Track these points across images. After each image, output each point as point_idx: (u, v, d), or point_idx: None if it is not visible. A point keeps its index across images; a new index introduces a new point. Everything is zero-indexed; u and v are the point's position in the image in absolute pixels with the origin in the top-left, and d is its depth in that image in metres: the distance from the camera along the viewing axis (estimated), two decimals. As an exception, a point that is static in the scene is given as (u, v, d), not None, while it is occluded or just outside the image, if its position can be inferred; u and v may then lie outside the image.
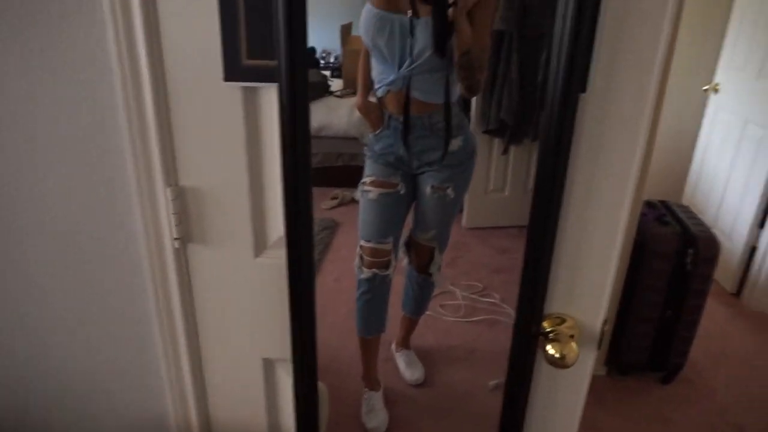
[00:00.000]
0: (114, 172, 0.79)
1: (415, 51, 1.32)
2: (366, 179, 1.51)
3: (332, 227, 2.15)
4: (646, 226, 1.85)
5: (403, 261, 1.68)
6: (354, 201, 1.56)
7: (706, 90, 2.81)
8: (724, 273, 2.54)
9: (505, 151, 1.97)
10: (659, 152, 2.30)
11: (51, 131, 0.77)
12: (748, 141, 2.48)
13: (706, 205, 2.77)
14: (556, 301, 0.75)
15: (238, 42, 0.67)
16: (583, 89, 0.63)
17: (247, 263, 0.82)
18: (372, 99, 1.48)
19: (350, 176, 1.61)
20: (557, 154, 0.63)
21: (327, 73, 1.98)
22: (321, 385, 0.89)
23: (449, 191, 1.50)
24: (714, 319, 2.32)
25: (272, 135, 0.75)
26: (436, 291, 1.79)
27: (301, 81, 0.63)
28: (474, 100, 1.87)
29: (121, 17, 0.68)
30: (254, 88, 0.72)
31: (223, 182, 0.78)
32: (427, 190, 1.51)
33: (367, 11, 1.33)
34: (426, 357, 1.86)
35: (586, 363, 0.78)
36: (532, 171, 0.68)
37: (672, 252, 1.81)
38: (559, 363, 0.70)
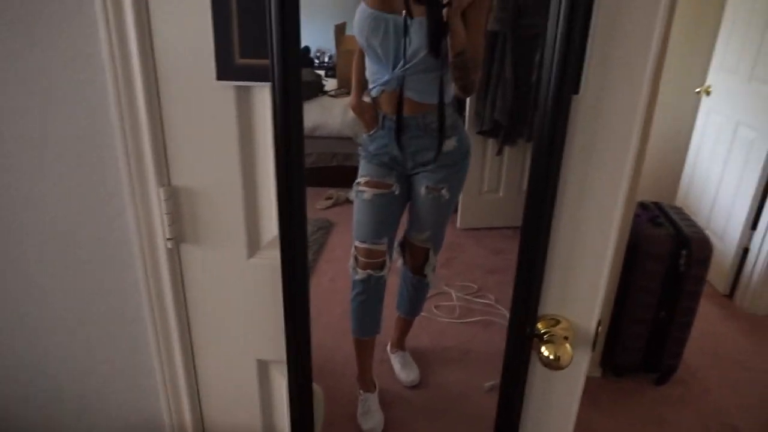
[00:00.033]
0: (106, 172, 0.78)
1: (410, 51, 1.32)
2: (360, 179, 1.51)
3: (327, 227, 2.14)
4: (640, 228, 1.86)
5: (397, 262, 1.68)
6: (349, 201, 1.56)
7: (698, 92, 2.83)
8: (717, 274, 2.55)
9: (500, 152, 1.98)
10: (652, 154, 2.32)
11: (42, 131, 0.77)
12: (739, 143, 2.50)
13: (699, 207, 2.79)
14: (550, 303, 0.75)
15: (231, 41, 0.67)
16: (576, 91, 0.63)
17: (240, 264, 0.82)
18: (366, 99, 1.47)
19: (345, 176, 1.61)
20: (550, 155, 0.63)
21: (321, 72, 1.98)
22: (316, 387, 0.88)
23: (444, 192, 1.50)
24: (707, 320, 2.34)
25: (265, 134, 0.74)
26: (430, 292, 1.79)
27: (294, 80, 0.62)
28: (468, 101, 1.87)
29: (113, 16, 0.67)
30: (247, 88, 0.72)
31: (217, 182, 0.77)
32: (422, 190, 1.51)
33: (362, 11, 1.32)
34: (421, 358, 1.85)
35: (581, 364, 0.78)
36: (527, 172, 0.68)
37: (665, 253, 1.82)
38: (554, 364, 0.70)
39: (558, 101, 0.61)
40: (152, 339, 0.87)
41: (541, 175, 0.65)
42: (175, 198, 0.78)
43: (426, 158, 1.47)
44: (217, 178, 0.77)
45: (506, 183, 2.07)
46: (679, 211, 2.03)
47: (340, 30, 1.83)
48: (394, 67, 1.36)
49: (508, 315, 0.75)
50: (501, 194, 2.09)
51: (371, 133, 1.49)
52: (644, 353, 1.96)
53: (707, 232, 1.97)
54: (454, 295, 2.06)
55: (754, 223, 2.41)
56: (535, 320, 0.75)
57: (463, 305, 2.04)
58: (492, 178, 2.06)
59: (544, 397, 0.81)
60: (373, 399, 1.69)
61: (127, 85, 0.71)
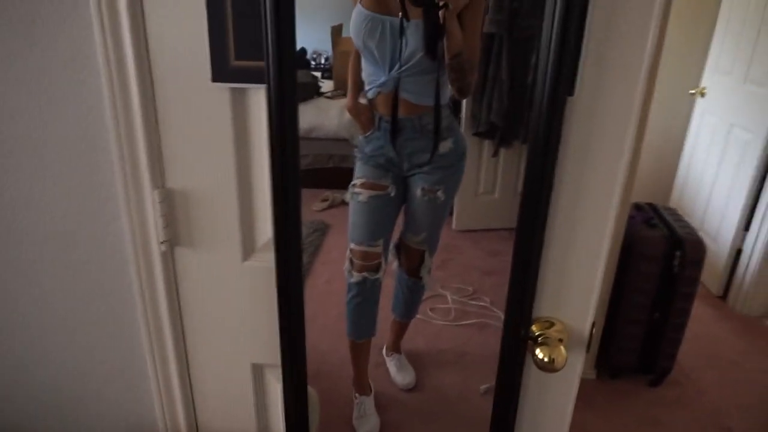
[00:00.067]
0: (101, 174, 0.78)
1: (406, 53, 1.32)
2: (356, 181, 1.51)
3: (323, 229, 2.14)
4: (634, 229, 1.86)
5: (393, 264, 1.68)
6: (345, 203, 1.55)
7: (692, 94, 2.85)
8: (711, 276, 2.57)
9: (495, 154, 1.98)
10: (647, 155, 2.33)
11: (36, 133, 0.76)
12: (734, 144, 2.52)
13: (693, 208, 2.80)
14: (545, 305, 0.75)
15: (226, 43, 0.67)
16: (571, 92, 0.63)
17: (235, 267, 0.81)
18: (362, 101, 1.47)
19: (341, 178, 1.61)
20: (545, 157, 0.64)
21: (318, 74, 1.97)
22: (311, 390, 0.88)
23: (440, 194, 1.50)
24: (701, 321, 2.35)
25: (261, 136, 0.74)
26: (426, 294, 1.79)
27: (289, 82, 0.62)
28: (464, 103, 1.87)
29: (108, 18, 0.67)
30: (242, 89, 0.72)
31: (211, 184, 0.77)
32: (418, 192, 1.51)
33: (358, 13, 1.32)
34: (417, 361, 1.85)
35: (575, 366, 0.78)
36: (523, 174, 0.68)
37: (659, 255, 1.83)
38: (548, 367, 0.70)
39: (553, 103, 0.61)
40: (146, 342, 0.87)
41: (536, 176, 0.65)
42: (169, 200, 0.78)
43: (422, 160, 1.47)
44: (212, 181, 0.76)
45: (502, 185, 2.07)
46: (674, 212, 2.04)
47: (336, 32, 1.83)
48: (390, 69, 1.36)
49: (503, 317, 0.75)
50: (497, 196, 2.09)
51: (367, 134, 1.49)
52: (639, 355, 1.97)
53: (701, 233, 1.98)
54: (449, 297, 2.06)
55: (747, 224, 2.43)
56: (530, 323, 0.75)
57: (458, 308, 2.04)
58: (488, 180, 2.06)
59: (539, 399, 0.81)
60: (368, 402, 1.68)
61: (122, 87, 0.71)
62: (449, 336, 1.95)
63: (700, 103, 2.84)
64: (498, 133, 1.91)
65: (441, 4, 1.24)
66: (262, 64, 0.62)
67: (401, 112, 1.41)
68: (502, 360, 0.76)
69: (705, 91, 2.78)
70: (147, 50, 0.70)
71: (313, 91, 1.97)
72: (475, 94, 1.84)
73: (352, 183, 1.52)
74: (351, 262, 1.53)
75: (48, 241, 0.83)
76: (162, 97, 0.73)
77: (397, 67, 1.35)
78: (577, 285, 0.74)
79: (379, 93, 1.42)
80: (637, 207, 2.03)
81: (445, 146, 1.46)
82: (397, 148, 1.45)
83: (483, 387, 1.72)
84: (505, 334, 0.75)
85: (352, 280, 1.53)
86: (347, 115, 1.54)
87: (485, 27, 1.67)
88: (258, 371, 0.90)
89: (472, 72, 1.35)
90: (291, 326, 0.76)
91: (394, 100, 1.39)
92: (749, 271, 2.42)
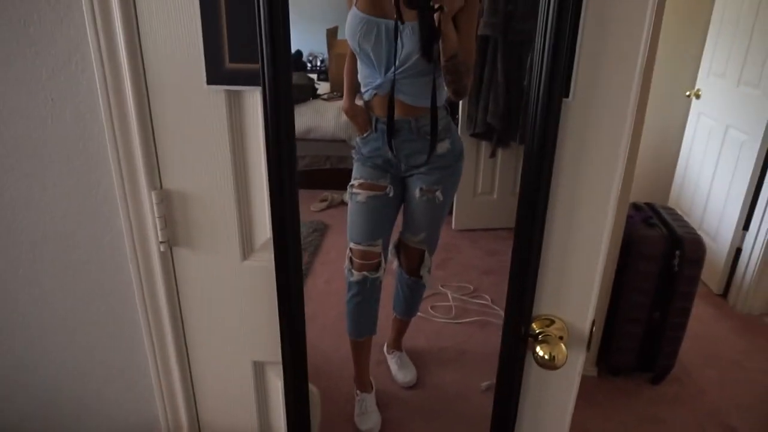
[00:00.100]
0: (99, 174, 0.78)
1: (402, 55, 1.33)
2: (354, 182, 1.51)
3: (322, 229, 2.14)
4: (633, 228, 1.87)
5: (392, 263, 1.68)
6: (343, 203, 1.56)
7: (688, 95, 2.85)
8: (711, 275, 2.57)
9: (493, 154, 1.99)
10: (645, 155, 2.33)
11: (36, 134, 0.77)
12: (730, 145, 2.52)
13: (692, 208, 2.81)
14: (545, 303, 0.75)
15: (221, 45, 0.67)
16: (566, 94, 0.63)
17: (234, 266, 0.82)
18: (359, 102, 1.48)
19: (339, 178, 1.61)
20: (542, 158, 0.64)
21: (314, 76, 1.98)
22: (312, 388, 0.88)
23: (438, 194, 1.51)
24: (701, 320, 2.35)
25: (257, 138, 0.74)
26: (427, 292, 1.79)
27: (284, 84, 0.63)
28: (461, 104, 1.88)
29: (101, 21, 0.67)
30: (238, 91, 0.72)
31: (209, 185, 0.77)
32: (416, 192, 1.51)
33: (353, 16, 1.33)
34: (418, 358, 1.85)
35: (576, 364, 0.78)
36: (520, 174, 0.68)
37: (659, 254, 1.83)
38: (549, 364, 0.70)
39: (548, 104, 0.61)
40: (147, 341, 0.87)
41: (533, 177, 0.65)
42: (167, 201, 0.78)
43: (419, 161, 1.48)
44: (209, 181, 0.77)
45: (500, 185, 2.08)
46: (672, 212, 2.04)
47: (332, 34, 1.83)
48: (386, 71, 1.37)
49: (504, 315, 0.75)
50: (495, 196, 2.10)
51: (364, 136, 1.49)
52: (639, 353, 1.97)
53: (700, 232, 1.98)
54: (450, 295, 2.07)
55: (746, 223, 2.43)
56: (530, 321, 0.75)
57: (459, 306, 2.04)
58: (486, 180, 2.07)
59: (539, 396, 0.82)
60: (370, 400, 1.68)
61: (117, 90, 0.71)
62: (450, 333, 1.96)
63: (695, 104, 2.85)
64: (495, 134, 1.92)
65: (436, 6, 1.24)
66: (256, 66, 0.62)
67: (397, 114, 1.41)
68: (503, 357, 0.77)
69: (700, 92, 2.79)
70: (141, 52, 0.70)
71: (310, 93, 1.98)
72: (471, 96, 1.85)
73: (351, 184, 1.52)
74: (351, 261, 1.53)
75: (47, 241, 0.83)
76: (157, 99, 0.73)
77: (392, 69, 1.35)
78: (576, 283, 0.74)
79: (375, 95, 1.42)
80: (636, 207, 2.04)
81: (442, 147, 1.47)
82: (394, 150, 1.46)
83: (484, 384, 1.73)
84: (505, 332, 0.75)
85: (352, 279, 1.54)
86: (344, 117, 1.54)
87: (480, 30, 1.68)
88: (259, 369, 0.90)
89: (468, 74, 1.36)
90: (291, 324, 0.77)
91: (390, 102, 1.40)
92: (749, 270, 2.42)
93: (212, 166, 0.76)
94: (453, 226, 2.17)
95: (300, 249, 0.73)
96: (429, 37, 1.29)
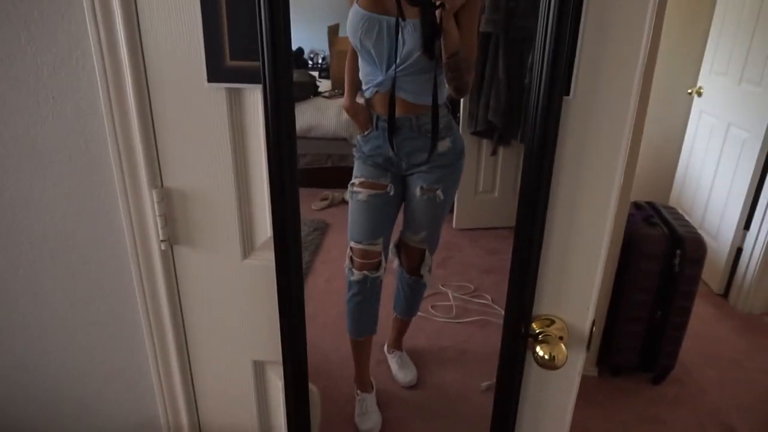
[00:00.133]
0: (100, 173, 0.78)
1: (403, 52, 1.32)
2: (355, 180, 1.51)
3: (323, 228, 2.14)
4: (634, 227, 1.86)
5: (393, 263, 1.68)
6: (344, 202, 1.56)
7: (690, 93, 2.85)
8: (711, 274, 2.57)
9: (494, 153, 1.98)
10: (646, 153, 2.33)
11: (35, 132, 0.76)
12: (731, 143, 2.52)
13: (693, 207, 2.80)
14: (545, 303, 0.75)
15: (221, 43, 0.67)
16: (567, 92, 0.63)
17: (234, 265, 0.82)
18: (360, 100, 1.47)
19: (340, 177, 1.61)
20: (542, 157, 0.64)
21: (315, 73, 1.97)
22: (312, 387, 0.88)
23: (439, 193, 1.50)
24: (702, 319, 2.35)
25: (258, 136, 0.74)
26: (427, 292, 1.79)
27: (285, 82, 0.62)
28: (462, 102, 1.87)
29: (102, 19, 0.67)
30: (239, 89, 0.72)
31: (210, 184, 0.77)
32: (417, 191, 1.51)
33: (354, 12, 1.33)
34: (418, 358, 1.85)
35: (576, 364, 0.78)
36: (521, 172, 0.68)
37: (660, 253, 1.83)
38: (549, 364, 0.70)
39: (549, 103, 0.61)
40: (147, 341, 0.87)
41: (533, 175, 0.65)
42: (168, 200, 0.78)
43: (420, 159, 1.47)
44: (210, 180, 0.77)
45: (501, 183, 2.07)
46: (673, 211, 2.04)
47: (333, 31, 1.83)
48: (387, 69, 1.36)
49: (504, 315, 0.75)
50: (496, 194, 2.09)
51: (365, 134, 1.49)
52: (640, 353, 1.97)
53: (701, 231, 1.98)
54: (450, 294, 2.06)
55: (747, 223, 2.43)
56: (530, 320, 0.75)
57: (459, 305, 2.04)
58: (487, 179, 2.06)
59: (539, 396, 0.81)
60: (370, 399, 1.68)
61: (118, 87, 0.71)
62: (451, 333, 1.95)
63: (697, 102, 2.84)
64: (496, 132, 1.91)
65: (438, 3, 1.24)
66: (257, 64, 0.62)
67: (399, 112, 1.41)
68: (503, 357, 0.77)
69: (702, 90, 2.78)
70: (142, 50, 0.70)
71: (311, 91, 1.97)
72: (472, 94, 1.84)
73: (351, 182, 1.52)
74: (351, 260, 1.53)
75: (47, 240, 0.83)
76: (158, 97, 0.73)
77: (394, 66, 1.35)
78: (577, 283, 0.74)
79: (376, 92, 1.42)
80: (637, 206, 2.03)
81: (443, 145, 1.47)
82: (395, 148, 1.45)
83: (484, 384, 1.73)
84: (505, 332, 0.75)
85: (353, 278, 1.53)
86: (345, 115, 1.54)
87: (482, 26, 1.67)
88: (259, 368, 0.90)
89: (469, 71, 1.36)
90: (291, 323, 0.76)
91: (391, 100, 1.39)
92: (750, 270, 2.42)
93: (213, 164, 0.75)
94: (454, 225, 2.17)
95: (300, 248, 0.73)
96: (430, 34, 1.29)
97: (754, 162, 2.34)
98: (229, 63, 0.67)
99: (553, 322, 0.75)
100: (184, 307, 0.86)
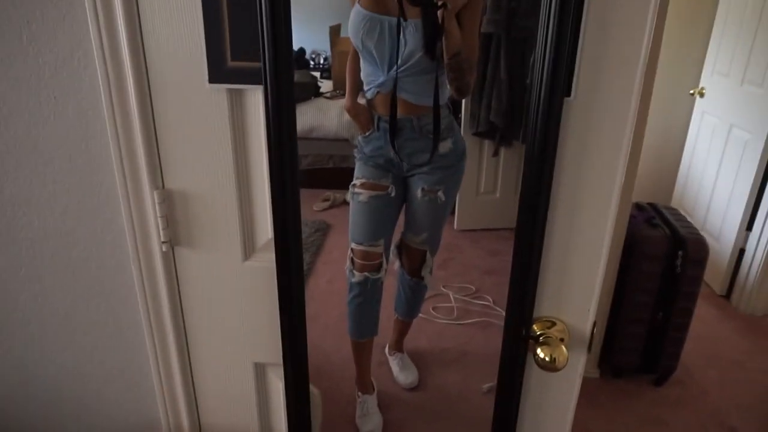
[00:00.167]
0: (101, 173, 0.78)
1: (405, 53, 1.32)
2: (356, 181, 1.51)
3: (324, 229, 2.14)
4: (636, 228, 1.86)
5: (394, 264, 1.68)
6: (346, 203, 1.56)
7: (692, 94, 2.84)
8: (714, 275, 2.56)
9: (496, 153, 1.98)
10: (648, 154, 2.32)
11: (36, 131, 0.76)
12: (734, 144, 2.51)
13: (695, 208, 2.80)
14: (546, 305, 0.75)
15: (222, 44, 0.67)
16: (568, 93, 0.63)
17: (235, 266, 0.81)
18: (361, 101, 1.47)
19: (342, 178, 1.61)
20: (543, 158, 0.64)
21: (317, 74, 1.97)
22: (313, 389, 0.88)
23: (440, 194, 1.50)
24: (704, 321, 2.34)
25: (259, 137, 0.74)
26: (428, 293, 1.79)
27: (286, 83, 0.62)
28: (463, 103, 1.87)
29: (104, 20, 0.67)
30: (240, 90, 0.72)
31: (211, 185, 0.77)
32: (418, 192, 1.51)
33: (356, 13, 1.33)
34: (419, 360, 1.85)
35: (576, 366, 0.78)
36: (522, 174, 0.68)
37: (661, 254, 1.82)
38: (550, 366, 0.70)
39: (550, 104, 0.61)
40: (149, 342, 0.87)
41: (534, 177, 0.65)
42: (169, 201, 0.78)
43: (421, 160, 1.47)
44: (211, 181, 0.77)
45: (503, 184, 2.07)
46: (675, 212, 2.03)
47: (335, 31, 1.83)
48: (388, 69, 1.36)
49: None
50: (498, 195, 2.09)
51: (366, 134, 1.49)
52: (642, 354, 1.96)
53: (703, 233, 1.98)
54: (451, 296, 2.06)
55: (749, 224, 2.42)
56: (531, 322, 0.75)
57: (461, 306, 2.04)
58: (489, 180, 2.06)
59: (540, 398, 0.81)
60: (371, 401, 1.68)
61: (119, 88, 0.71)
62: (452, 335, 1.95)
63: (699, 103, 2.83)
64: (498, 132, 1.91)
65: (440, 3, 1.24)
66: (258, 64, 0.62)
67: (400, 112, 1.41)
68: (504, 359, 0.76)
69: (704, 91, 2.78)
70: (143, 51, 0.70)
71: (312, 91, 1.97)
72: (474, 94, 1.84)
73: (353, 183, 1.52)
74: (352, 261, 1.53)
75: (48, 240, 0.83)
76: (159, 98, 0.73)
77: (395, 67, 1.35)
78: (577, 285, 0.74)
79: (377, 93, 1.42)
80: (639, 207, 2.03)
81: (444, 146, 1.46)
82: (396, 149, 1.45)
83: (486, 386, 1.72)
84: (506, 334, 0.75)
85: (354, 279, 1.53)
86: (347, 116, 1.54)
87: (483, 27, 1.67)
88: (260, 370, 0.90)
89: (471, 71, 1.35)
90: (292, 325, 0.76)
91: (393, 100, 1.39)
92: (752, 271, 2.41)
93: (214, 165, 0.75)
94: (455, 226, 2.16)
95: (301, 249, 0.73)
96: (432, 35, 1.29)
97: (757, 163, 2.34)
98: (231, 64, 0.68)
99: (554, 323, 0.75)
100: (185, 308, 0.86)
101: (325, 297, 1.96)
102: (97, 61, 0.70)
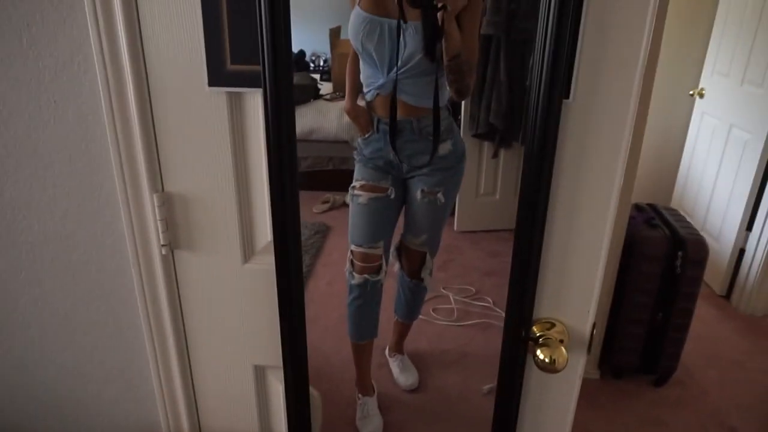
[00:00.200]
0: (101, 176, 0.78)
1: (404, 55, 1.32)
2: (356, 183, 1.51)
3: (324, 231, 2.14)
4: (636, 229, 1.86)
5: (394, 266, 1.68)
6: (346, 205, 1.56)
7: (692, 94, 2.84)
8: (714, 276, 2.56)
9: (495, 155, 1.98)
10: (647, 155, 2.33)
11: (36, 134, 0.77)
12: (733, 145, 2.51)
13: (694, 208, 2.80)
14: (545, 306, 0.75)
15: (222, 47, 0.67)
16: (567, 95, 0.63)
17: (235, 269, 0.82)
18: (361, 103, 1.48)
19: (341, 180, 1.61)
20: (542, 159, 0.64)
21: (317, 76, 1.97)
22: (313, 392, 0.88)
23: (440, 196, 1.50)
24: (704, 321, 2.34)
25: (258, 140, 0.74)
26: (428, 295, 1.79)
27: (285, 86, 0.63)
28: (463, 104, 1.87)
29: (104, 24, 0.67)
30: (239, 93, 0.72)
31: (210, 188, 0.77)
32: (418, 194, 1.51)
33: (356, 15, 1.33)
34: (420, 361, 1.85)
35: (576, 367, 0.78)
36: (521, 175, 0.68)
37: (661, 255, 1.82)
38: (549, 368, 0.70)
39: (549, 106, 0.61)
40: (148, 344, 0.87)
41: (533, 178, 0.65)
42: (168, 204, 0.78)
43: (421, 162, 1.47)
44: (210, 184, 0.77)
45: (503, 186, 2.07)
46: (675, 212, 2.03)
47: (334, 34, 1.83)
48: (388, 71, 1.36)
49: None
50: (497, 197, 2.09)
51: (366, 136, 1.49)
52: (642, 354, 1.96)
53: (703, 233, 1.98)
54: (451, 297, 2.06)
55: (749, 224, 2.42)
56: (530, 324, 0.75)
57: (461, 308, 2.04)
58: (488, 181, 2.06)
59: (540, 399, 0.81)
60: (371, 403, 1.68)
61: (119, 91, 0.71)
62: (452, 336, 1.95)
63: (699, 103, 2.83)
64: (497, 134, 1.91)
65: (440, 5, 1.24)
66: (258, 68, 0.62)
67: (400, 114, 1.41)
68: (503, 361, 0.76)
69: (703, 92, 2.78)
70: (143, 55, 0.70)
71: (312, 94, 1.97)
72: (473, 96, 1.84)
73: (352, 185, 1.52)
74: (352, 263, 1.53)
75: (48, 243, 0.83)
76: (159, 102, 0.73)
77: (395, 69, 1.35)
78: (577, 286, 0.74)
79: (377, 95, 1.42)
80: (638, 208, 2.03)
81: (444, 148, 1.47)
82: (396, 150, 1.45)
83: (486, 387, 1.72)
84: (505, 335, 0.75)
85: (353, 281, 1.53)
86: (347, 118, 1.54)
87: (483, 29, 1.67)
88: (260, 373, 0.90)
89: (471, 73, 1.36)
90: (292, 327, 0.76)
91: (393, 102, 1.39)
92: (752, 271, 2.41)
93: (213, 168, 0.76)
94: (455, 228, 2.17)
95: (301, 252, 0.73)
96: (432, 37, 1.29)
97: (756, 163, 2.34)
98: (230, 67, 0.68)
99: (553, 325, 0.75)
100: (184, 311, 0.86)
101: (325, 299, 1.96)
102: (97, 66, 0.70)
